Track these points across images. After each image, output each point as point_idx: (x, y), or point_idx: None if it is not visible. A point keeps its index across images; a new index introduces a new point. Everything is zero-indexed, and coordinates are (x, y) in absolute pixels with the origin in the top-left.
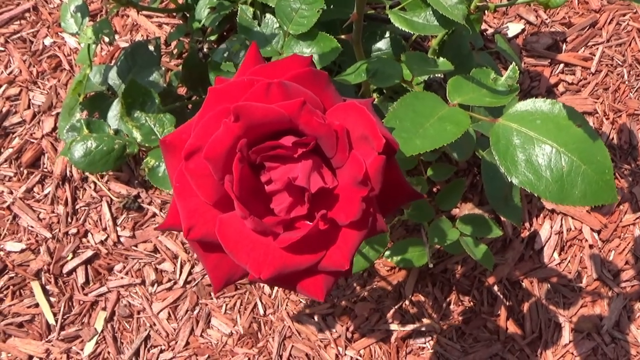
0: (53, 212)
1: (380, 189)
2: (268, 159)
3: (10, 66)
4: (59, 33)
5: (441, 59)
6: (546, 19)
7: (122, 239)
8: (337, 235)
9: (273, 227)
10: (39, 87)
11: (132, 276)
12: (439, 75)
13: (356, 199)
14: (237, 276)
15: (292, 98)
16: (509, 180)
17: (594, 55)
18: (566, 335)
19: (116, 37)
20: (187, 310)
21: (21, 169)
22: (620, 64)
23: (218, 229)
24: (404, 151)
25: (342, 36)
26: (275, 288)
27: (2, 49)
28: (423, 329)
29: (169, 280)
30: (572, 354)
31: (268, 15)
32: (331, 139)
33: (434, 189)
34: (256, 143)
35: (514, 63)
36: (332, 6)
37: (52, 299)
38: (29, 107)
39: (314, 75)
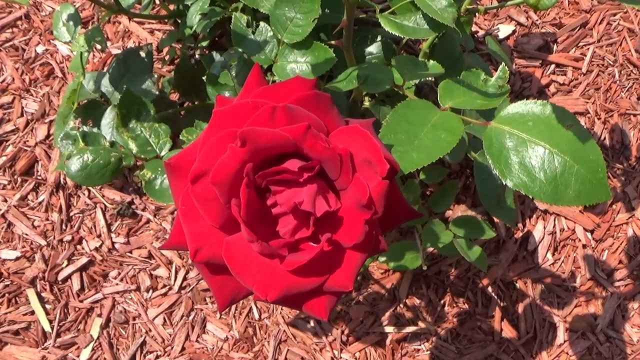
0: (47, 219)
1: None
2: (274, 182)
3: (2, 74)
4: (51, 40)
5: (432, 62)
6: (537, 20)
7: (116, 246)
8: (341, 256)
9: (279, 249)
10: (31, 95)
11: (127, 282)
12: (430, 78)
13: (360, 221)
14: (242, 295)
15: (297, 121)
16: (503, 183)
17: (585, 56)
18: (561, 335)
19: (108, 44)
20: (182, 316)
21: (15, 176)
22: (612, 63)
23: (224, 251)
24: (402, 168)
25: (333, 42)
26: None
27: None
28: (418, 331)
29: (164, 286)
30: (567, 353)
31: (262, 23)
32: (335, 163)
33: (427, 192)
34: (261, 166)
35: (503, 64)
36: (326, 10)
37: (48, 306)
38: (22, 115)
39: (317, 98)
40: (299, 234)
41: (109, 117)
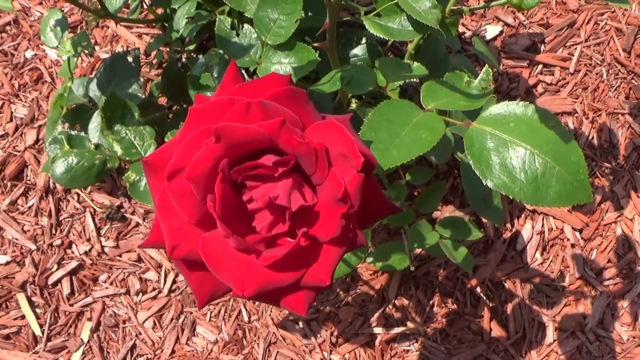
0: (37, 224)
1: (359, 205)
2: (249, 178)
3: None
4: (40, 46)
5: (415, 63)
6: (524, 21)
7: (106, 249)
8: (318, 251)
9: (255, 245)
10: (20, 100)
11: (116, 286)
12: (415, 80)
13: (336, 215)
14: (220, 292)
15: (272, 117)
16: (485, 184)
17: (573, 56)
18: (550, 335)
19: (96, 48)
20: (172, 319)
21: (4, 181)
22: (599, 63)
23: (201, 247)
24: (382, 164)
25: (318, 44)
26: None
27: None
28: (407, 332)
29: (154, 289)
30: (557, 352)
31: (246, 26)
32: (311, 157)
33: (415, 193)
34: (237, 162)
35: (487, 65)
36: (309, 13)
37: (38, 311)
38: (11, 120)
39: (292, 93)
40: (275, 229)
41: (95, 121)
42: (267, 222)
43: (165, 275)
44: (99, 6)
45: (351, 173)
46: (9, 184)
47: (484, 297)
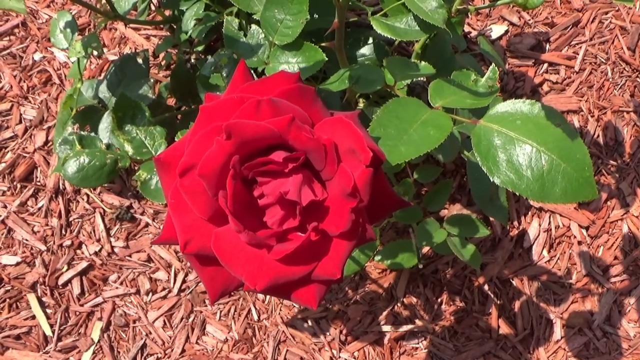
0: (47, 224)
1: (369, 199)
2: (260, 174)
3: (0, 82)
4: (49, 48)
5: (422, 62)
6: (529, 20)
7: (116, 250)
8: (328, 245)
9: (266, 239)
10: (29, 102)
11: (126, 286)
12: (422, 78)
13: (346, 210)
14: (232, 287)
15: (282, 114)
16: (492, 181)
17: (578, 54)
18: (558, 332)
19: (105, 50)
20: (182, 318)
21: (14, 183)
22: (604, 61)
23: (213, 242)
24: (390, 160)
25: (326, 44)
26: None
27: None
28: (416, 329)
29: (164, 288)
30: (564, 349)
31: (254, 26)
32: (320, 153)
33: (423, 191)
34: (248, 158)
35: (493, 64)
36: (315, 15)
37: (49, 311)
38: (20, 122)
39: (301, 91)
40: (286, 224)
41: (106, 122)
42: (278, 217)
43: (175, 275)
44: (108, 8)
45: (360, 168)
46: (18, 185)
47: (492, 295)
